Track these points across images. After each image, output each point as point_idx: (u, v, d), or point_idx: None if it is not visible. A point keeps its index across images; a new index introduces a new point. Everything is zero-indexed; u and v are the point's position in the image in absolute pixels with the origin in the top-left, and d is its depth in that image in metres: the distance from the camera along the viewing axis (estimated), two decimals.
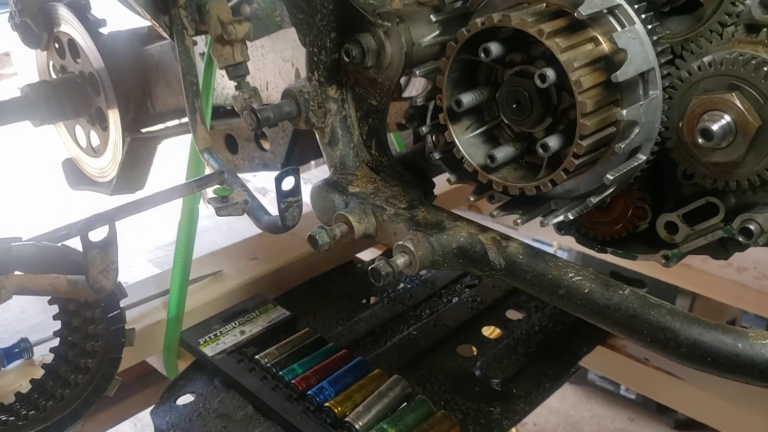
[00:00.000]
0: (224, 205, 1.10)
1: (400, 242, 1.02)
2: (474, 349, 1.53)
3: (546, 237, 2.77)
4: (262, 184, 2.34)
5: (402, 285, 1.75)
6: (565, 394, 3.26)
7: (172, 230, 2.13)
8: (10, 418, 1.10)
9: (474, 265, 1.03)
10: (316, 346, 1.49)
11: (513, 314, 1.64)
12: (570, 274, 0.95)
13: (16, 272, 0.99)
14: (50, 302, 1.12)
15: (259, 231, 1.90)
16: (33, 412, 1.12)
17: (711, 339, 0.85)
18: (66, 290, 0.97)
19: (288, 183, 1.06)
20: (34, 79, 1.89)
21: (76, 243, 1.08)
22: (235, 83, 1.22)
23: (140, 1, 1.21)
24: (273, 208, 1.23)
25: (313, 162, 2.46)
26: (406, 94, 1.81)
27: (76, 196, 2.08)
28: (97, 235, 0.89)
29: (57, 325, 1.35)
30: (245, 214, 1.14)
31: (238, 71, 1.21)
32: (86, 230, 0.87)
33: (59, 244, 1.03)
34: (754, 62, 0.82)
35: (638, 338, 0.91)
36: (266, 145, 1.64)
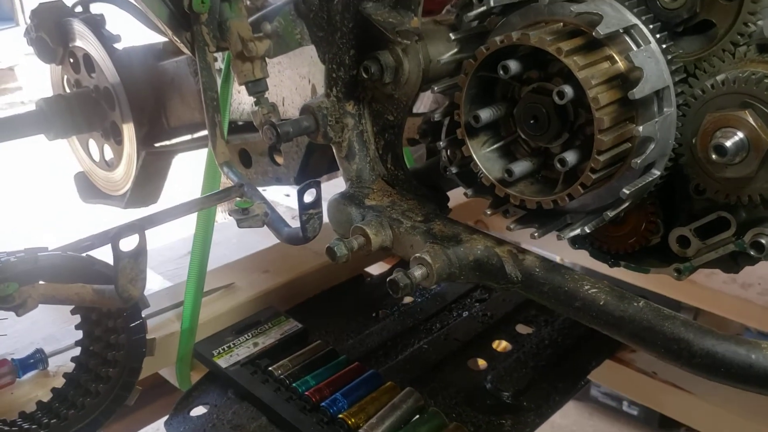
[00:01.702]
0: (245, 217, 1.12)
1: (418, 254, 1.04)
2: (485, 362, 1.55)
3: (548, 251, 2.79)
4: (271, 197, 2.36)
5: (412, 299, 1.77)
6: (568, 410, 3.27)
7: (183, 245, 2.15)
8: (32, 427, 1.12)
9: (490, 277, 1.05)
10: (329, 358, 1.50)
11: (523, 328, 1.66)
12: (586, 287, 0.97)
13: (41, 281, 1.01)
14: (73, 312, 1.13)
15: (271, 244, 1.94)
16: (54, 420, 1.13)
17: (724, 350, 0.86)
18: (92, 299, 0.99)
19: (309, 195, 1.08)
20: (37, 92, 1.92)
21: (98, 253, 1.11)
22: (255, 99, 1.24)
23: (163, 17, 1.23)
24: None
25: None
26: (414, 110, 1.84)
27: (88, 208, 2.10)
28: (126, 244, 0.91)
29: (69, 335, 1.36)
30: (265, 226, 1.16)
31: (257, 87, 1.24)
32: (117, 239, 0.89)
33: (84, 254, 1.05)
34: (766, 81, 0.84)
35: (652, 349, 0.92)
36: (280, 159, 1.67)
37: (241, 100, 1.66)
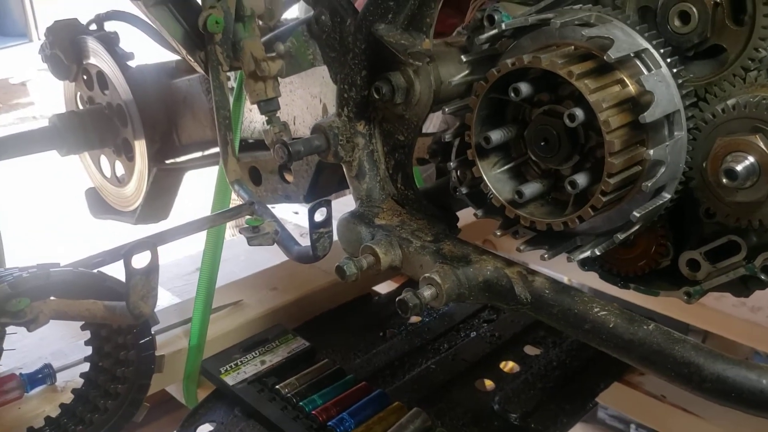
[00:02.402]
0: (255, 235, 1.13)
1: (427, 274, 1.04)
2: (492, 383, 1.54)
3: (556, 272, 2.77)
4: (280, 215, 2.37)
5: (420, 318, 1.76)
6: None
7: (191, 261, 2.16)
8: None
9: (500, 298, 1.05)
10: (336, 377, 1.50)
11: (531, 349, 1.65)
12: (595, 309, 0.96)
13: (53, 297, 1.02)
14: (83, 327, 1.14)
15: (279, 261, 1.94)
16: None
17: (735, 375, 0.86)
18: (103, 315, 0.99)
19: (320, 214, 1.09)
20: (49, 107, 1.94)
21: (109, 269, 1.12)
22: (266, 118, 1.25)
23: (177, 36, 1.25)
24: None
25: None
26: (423, 130, 1.84)
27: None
28: (138, 261, 0.92)
29: (77, 351, 1.37)
30: (275, 244, 1.16)
31: (269, 106, 1.25)
32: (130, 256, 0.90)
33: (95, 271, 1.05)
34: None
35: (662, 373, 0.92)
36: (289, 177, 1.68)
37: (252, 119, 1.68)
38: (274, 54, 1.24)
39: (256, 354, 1.56)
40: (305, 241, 1.19)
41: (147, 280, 0.93)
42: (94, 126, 1.84)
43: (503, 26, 0.98)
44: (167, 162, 1.82)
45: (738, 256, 0.96)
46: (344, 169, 1.23)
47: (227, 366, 1.53)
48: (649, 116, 0.85)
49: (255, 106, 1.28)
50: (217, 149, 1.77)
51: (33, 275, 0.97)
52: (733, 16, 0.89)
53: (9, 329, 1.13)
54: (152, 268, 0.93)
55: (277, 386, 1.46)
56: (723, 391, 0.87)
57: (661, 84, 0.89)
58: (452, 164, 1.11)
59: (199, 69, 1.29)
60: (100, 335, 1.14)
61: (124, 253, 0.90)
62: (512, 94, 0.94)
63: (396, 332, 1.73)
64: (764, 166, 0.85)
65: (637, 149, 0.89)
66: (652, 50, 0.91)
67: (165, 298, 1.94)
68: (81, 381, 1.23)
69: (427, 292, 1.02)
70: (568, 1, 1.00)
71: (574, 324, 0.98)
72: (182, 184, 1.94)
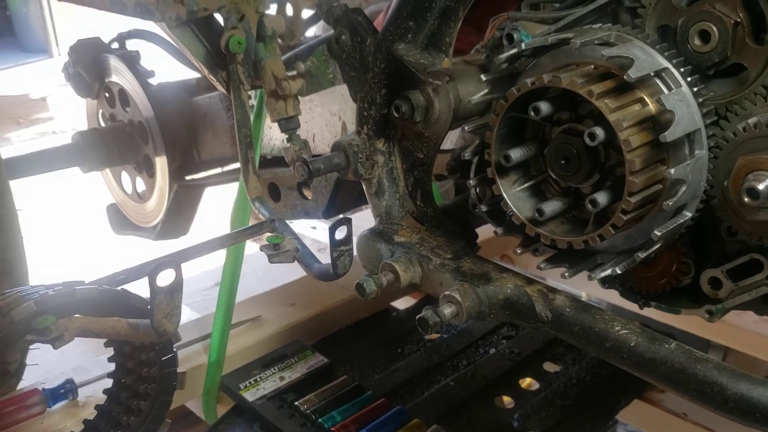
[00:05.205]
0: (276, 253, 1.14)
1: (447, 292, 1.04)
2: (511, 400, 1.54)
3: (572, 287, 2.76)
4: (297, 230, 2.38)
5: (438, 335, 1.76)
6: None
7: (209, 276, 2.17)
8: None
9: (520, 316, 1.05)
10: (355, 394, 1.50)
11: (550, 366, 1.64)
12: (616, 328, 0.96)
13: (78, 315, 1.03)
14: (106, 344, 1.15)
15: (297, 276, 1.95)
16: None
17: (759, 395, 0.85)
18: (127, 333, 1.00)
19: (341, 232, 1.10)
20: (68, 123, 1.97)
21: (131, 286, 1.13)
22: (287, 136, 1.26)
23: (200, 56, 1.26)
24: None
25: None
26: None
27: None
28: (162, 279, 0.93)
29: (98, 366, 1.38)
30: (296, 261, 1.17)
31: (290, 124, 1.26)
32: (155, 274, 0.91)
33: (119, 288, 1.07)
34: None
35: (685, 392, 0.91)
36: (308, 193, 1.69)
37: (272, 136, 1.69)
38: (294, 73, 1.25)
39: (275, 370, 1.57)
40: (323, 257, 1.19)
41: (171, 298, 0.94)
42: (116, 143, 1.86)
43: (523, 46, 0.99)
44: (187, 178, 1.83)
45: (761, 274, 0.95)
46: (364, 187, 1.24)
47: (247, 382, 1.53)
48: (669, 135, 0.85)
49: (274, 123, 1.29)
50: (236, 165, 1.79)
51: (58, 293, 0.98)
52: (754, 35, 0.89)
53: (31, 345, 1.14)
54: (176, 287, 0.94)
55: (296, 402, 1.46)
56: (747, 411, 0.86)
57: (682, 103, 0.89)
58: (472, 182, 1.11)
59: (220, 88, 1.31)
60: (123, 352, 1.15)
61: (149, 271, 0.91)
62: (532, 113, 0.94)
63: (414, 348, 1.73)
64: None
65: (657, 168, 0.89)
66: (672, 69, 0.91)
67: (184, 314, 1.92)
68: (102, 396, 1.25)
69: (447, 311, 1.02)
70: (588, 21, 1.01)
71: (594, 342, 0.97)
72: (202, 199, 1.96)
